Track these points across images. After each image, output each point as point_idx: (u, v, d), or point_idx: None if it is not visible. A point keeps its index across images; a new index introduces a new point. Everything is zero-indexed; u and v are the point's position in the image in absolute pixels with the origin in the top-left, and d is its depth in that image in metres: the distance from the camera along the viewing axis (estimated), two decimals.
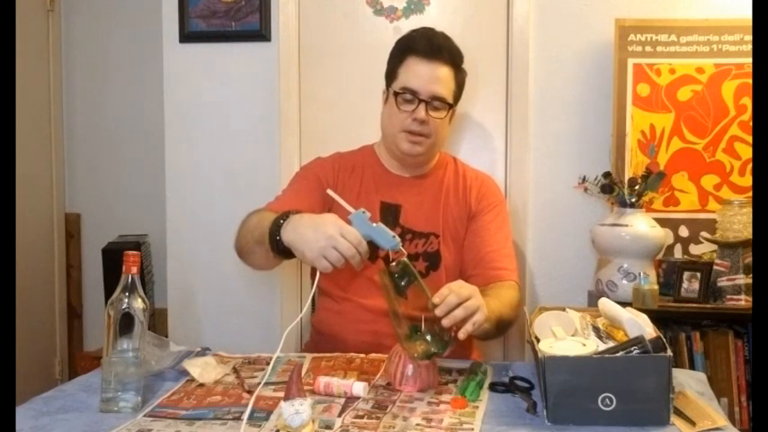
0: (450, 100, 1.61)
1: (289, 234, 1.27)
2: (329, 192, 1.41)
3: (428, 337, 1.23)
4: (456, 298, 1.20)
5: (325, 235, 1.20)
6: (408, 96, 1.56)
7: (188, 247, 2.36)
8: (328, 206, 1.51)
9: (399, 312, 1.24)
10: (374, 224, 1.25)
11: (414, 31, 1.64)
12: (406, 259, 1.26)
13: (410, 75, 1.57)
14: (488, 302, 1.29)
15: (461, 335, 1.21)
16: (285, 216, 1.31)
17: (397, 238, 1.25)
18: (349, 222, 1.25)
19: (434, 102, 1.57)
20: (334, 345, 1.55)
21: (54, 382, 2.65)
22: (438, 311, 1.19)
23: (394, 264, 1.25)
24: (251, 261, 1.52)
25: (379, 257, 1.56)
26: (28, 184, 2.69)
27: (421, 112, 1.56)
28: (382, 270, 1.26)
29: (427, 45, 1.57)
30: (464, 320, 1.21)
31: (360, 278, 1.59)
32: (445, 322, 1.19)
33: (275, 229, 1.30)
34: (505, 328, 1.50)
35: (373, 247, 1.27)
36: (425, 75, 1.56)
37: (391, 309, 1.26)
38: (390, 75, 1.63)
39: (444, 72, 1.58)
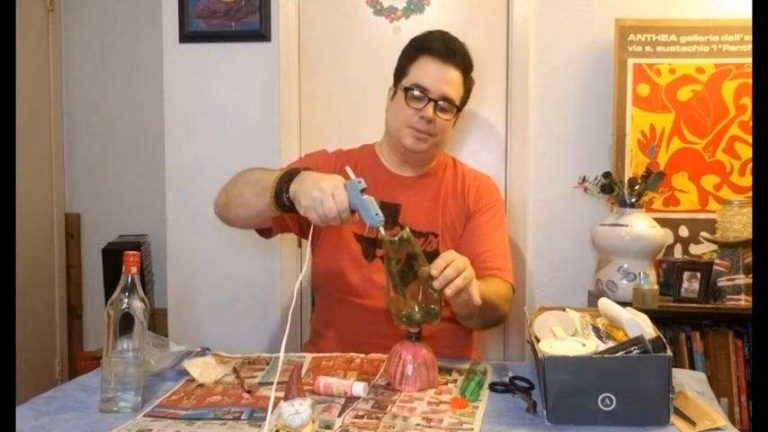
0: (458, 103, 1.62)
1: (295, 184, 1.32)
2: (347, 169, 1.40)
3: (416, 308, 1.26)
4: (454, 270, 1.22)
5: (319, 188, 1.26)
6: (418, 94, 1.57)
7: (188, 247, 2.36)
8: None
9: (396, 283, 1.26)
10: (364, 197, 1.27)
11: (430, 32, 1.64)
12: (407, 231, 1.26)
13: (422, 73, 1.58)
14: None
15: (448, 291, 1.22)
16: (296, 171, 1.35)
17: (380, 216, 1.26)
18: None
19: (443, 102, 1.58)
20: (334, 345, 1.55)
21: (54, 382, 2.66)
22: (437, 284, 1.21)
23: (396, 237, 1.26)
24: (236, 213, 1.51)
25: (377, 257, 1.57)
26: (28, 184, 2.69)
27: (429, 110, 1.57)
28: (384, 238, 1.27)
29: (443, 47, 1.58)
30: (464, 289, 1.23)
31: (359, 278, 1.59)
32: (448, 292, 1.21)
33: (285, 181, 1.33)
34: (491, 316, 1.51)
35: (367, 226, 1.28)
36: (438, 75, 1.57)
37: (388, 279, 1.27)
38: (401, 72, 1.64)
39: (455, 75, 1.60)
